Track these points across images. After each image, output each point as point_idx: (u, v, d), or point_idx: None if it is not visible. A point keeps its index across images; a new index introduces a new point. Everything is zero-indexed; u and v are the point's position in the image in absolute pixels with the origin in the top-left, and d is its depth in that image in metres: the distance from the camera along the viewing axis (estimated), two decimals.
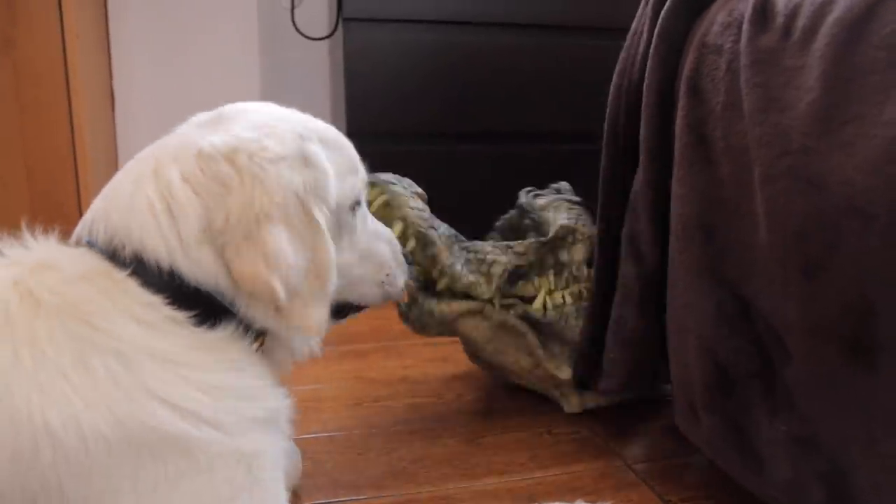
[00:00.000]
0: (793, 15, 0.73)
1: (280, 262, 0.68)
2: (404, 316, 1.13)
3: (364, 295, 0.89)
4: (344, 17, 1.93)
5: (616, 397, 1.15)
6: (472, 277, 1.09)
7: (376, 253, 0.89)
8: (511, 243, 1.15)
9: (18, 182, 1.81)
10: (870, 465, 0.68)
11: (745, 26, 0.78)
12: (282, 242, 0.69)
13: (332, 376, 1.31)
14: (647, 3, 1.05)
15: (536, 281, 1.14)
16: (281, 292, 0.69)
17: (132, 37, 2.05)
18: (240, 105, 0.79)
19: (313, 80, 2.22)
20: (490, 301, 1.11)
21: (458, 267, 1.09)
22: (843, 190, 0.65)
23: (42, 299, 0.63)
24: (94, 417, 0.59)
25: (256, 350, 0.74)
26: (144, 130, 2.05)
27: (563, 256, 1.15)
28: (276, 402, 0.73)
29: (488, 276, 1.10)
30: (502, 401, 1.24)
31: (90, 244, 0.70)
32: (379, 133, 1.93)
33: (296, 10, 2.11)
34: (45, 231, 0.70)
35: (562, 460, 1.03)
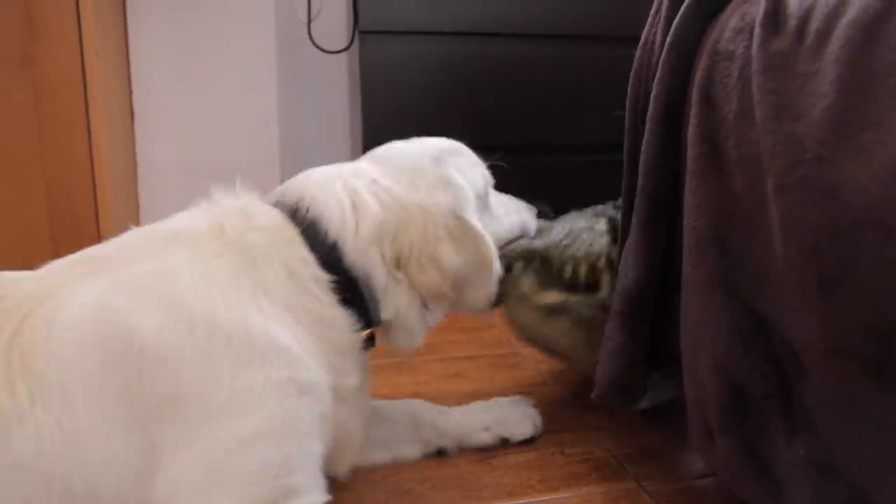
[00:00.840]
0: (806, 17, 0.70)
1: (450, 271, 0.90)
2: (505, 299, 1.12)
3: (502, 236, 1.09)
4: (360, 29, 1.92)
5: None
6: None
7: (507, 205, 1.13)
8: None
9: (37, 196, 1.81)
10: (893, 492, 0.64)
11: (757, 30, 0.75)
12: (451, 255, 0.91)
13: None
14: (657, 12, 1.02)
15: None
16: (450, 292, 0.92)
17: (151, 52, 2.06)
18: (384, 148, 1.01)
19: (331, 92, 2.22)
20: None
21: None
22: (859, 200, 0.61)
23: (227, 232, 0.81)
24: (228, 319, 0.73)
25: (364, 336, 0.87)
26: (164, 145, 2.07)
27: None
28: (353, 379, 0.86)
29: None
30: None
31: (280, 203, 0.87)
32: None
33: (312, 24, 2.11)
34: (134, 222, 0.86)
35: (574, 482, 0.99)
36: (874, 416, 0.65)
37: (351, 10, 2.07)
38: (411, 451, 1.06)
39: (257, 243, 0.81)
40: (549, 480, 1.00)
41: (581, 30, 2.00)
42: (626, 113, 1.06)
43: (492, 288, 0.98)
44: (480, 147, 1.99)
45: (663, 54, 0.93)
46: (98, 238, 0.85)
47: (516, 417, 1.12)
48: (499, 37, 1.97)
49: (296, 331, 0.78)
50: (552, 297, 1.11)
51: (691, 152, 0.85)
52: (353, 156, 2.13)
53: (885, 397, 0.63)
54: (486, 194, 1.06)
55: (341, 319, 0.84)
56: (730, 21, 0.83)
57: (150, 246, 0.80)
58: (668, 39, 0.92)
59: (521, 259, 1.11)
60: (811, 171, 0.66)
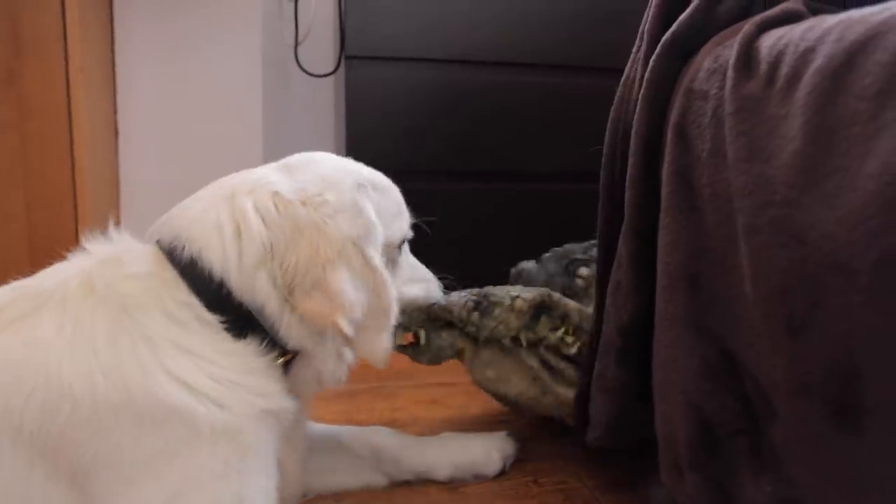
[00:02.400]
0: (776, 62, 0.71)
1: (343, 301, 0.79)
2: (414, 354, 1.14)
3: (412, 299, 1.04)
4: (346, 54, 1.93)
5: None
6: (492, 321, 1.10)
7: (417, 271, 1.06)
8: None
9: (17, 214, 1.80)
10: None
11: (730, 73, 0.76)
12: (344, 284, 0.80)
13: (321, 417, 1.28)
14: (638, 50, 1.03)
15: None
16: (346, 327, 0.80)
17: (137, 71, 2.06)
18: (306, 155, 0.92)
19: (317, 116, 2.23)
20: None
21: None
22: (825, 244, 0.62)
23: (96, 288, 0.75)
24: (108, 388, 0.69)
25: (280, 363, 0.82)
26: (148, 165, 2.07)
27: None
28: (286, 402, 0.81)
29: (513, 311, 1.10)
30: None
31: (159, 243, 0.81)
32: (380, 170, 1.92)
33: (299, 47, 2.12)
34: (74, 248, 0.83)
35: None
36: (837, 457, 0.65)
37: (338, 34, 2.09)
38: (376, 479, 1.06)
39: (130, 293, 0.76)
40: None
41: (565, 59, 2.02)
42: (605, 147, 1.07)
43: (385, 341, 0.88)
44: (464, 173, 2.01)
45: (641, 91, 0.94)
46: None
47: (483, 456, 1.09)
48: (484, 65, 1.99)
49: (196, 370, 0.74)
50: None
51: (665, 189, 0.86)
52: None
53: (848, 438, 0.64)
54: (399, 251, 0.99)
55: (241, 356, 0.78)
56: (704, 62, 0.85)
57: (18, 309, 0.75)
58: (645, 76, 0.94)
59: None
60: (780, 213, 0.67)
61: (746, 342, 0.75)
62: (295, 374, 0.85)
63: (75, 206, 1.84)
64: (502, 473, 1.09)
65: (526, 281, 1.24)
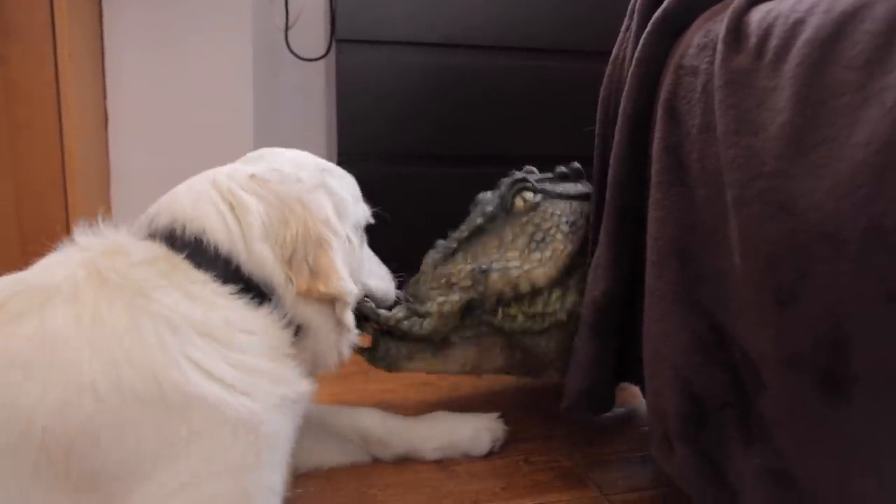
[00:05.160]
0: (765, 35, 0.71)
1: (341, 272, 0.84)
2: (371, 359, 1.14)
3: (373, 290, 1.06)
4: (337, 38, 1.92)
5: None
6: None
7: (375, 268, 1.07)
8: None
9: (6, 201, 1.79)
10: (843, 501, 0.65)
11: (720, 47, 0.76)
12: (337, 256, 0.85)
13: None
14: (628, 29, 1.04)
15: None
16: (348, 297, 0.85)
17: (127, 56, 2.05)
18: (263, 150, 0.96)
19: (308, 100, 2.22)
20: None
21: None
22: (813, 215, 0.63)
23: (108, 278, 0.73)
24: (136, 379, 0.67)
25: (291, 339, 0.83)
26: (138, 150, 2.06)
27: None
28: (304, 386, 0.82)
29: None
30: None
31: (152, 235, 0.81)
32: (370, 154, 1.93)
33: (290, 31, 2.11)
34: (38, 248, 0.81)
35: (536, 490, 1.00)
36: (826, 427, 0.66)
37: (329, 18, 2.08)
38: (364, 459, 1.06)
39: (144, 278, 0.74)
40: (513, 488, 1.00)
41: (558, 44, 2.02)
42: (597, 127, 1.08)
43: (352, 318, 0.90)
44: (455, 157, 2.01)
45: (631, 69, 0.94)
46: None
47: (471, 436, 1.09)
48: (475, 48, 1.98)
49: (218, 358, 0.73)
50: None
51: (656, 165, 0.86)
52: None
53: (836, 408, 0.64)
54: (362, 236, 1.00)
55: (261, 320, 0.79)
56: (694, 38, 0.85)
57: (22, 305, 0.70)
58: (636, 55, 0.94)
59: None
60: (769, 185, 0.67)
61: (735, 315, 0.75)
62: (299, 353, 0.85)
63: (65, 194, 1.83)
64: (490, 454, 1.10)
65: (480, 205, 1.22)
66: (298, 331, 0.85)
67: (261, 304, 0.80)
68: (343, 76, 1.91)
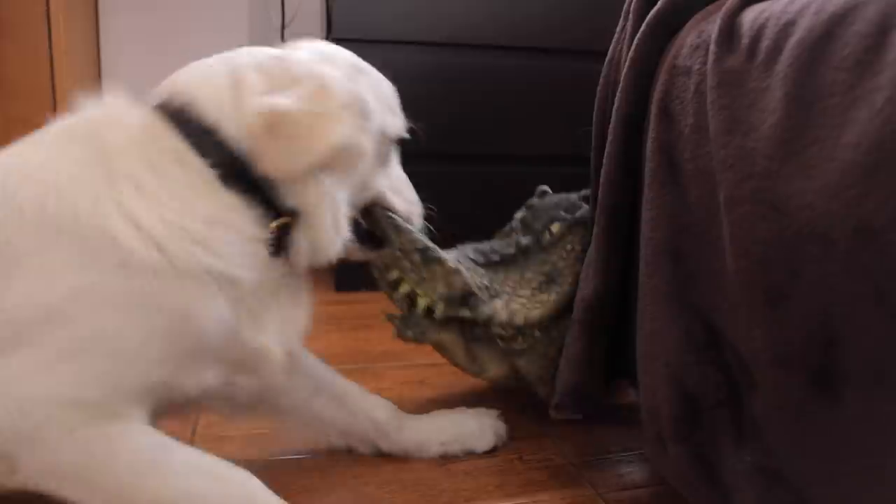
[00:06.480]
0: (757, 36, 0.72)
1: (346, 142, 0.80)
2: (402, 327, 1.12)
3: (393, 207, 1.01)
4: (333, 37, 1.92)
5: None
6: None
7: (404, 189, 1.05)
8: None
9: None
10: (832, 501, 0.65)
11: (712, 47, 0.77)
12: (344, 130, 0.79)
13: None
14: (623, 29, 1.04)
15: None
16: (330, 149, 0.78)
17: (123, 57, 2.05)
18: (309, 41, 0.93)
19: None
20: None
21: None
22: (804, 215, 0.63)
23: (77, 133, 0.75)
24: (59, 209, 0.68)
25: (274, 226, 0.78)
26: None
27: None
28: (242, 271, 0.75)
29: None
30: None
31: (148, 106, 0.79)
32: None
33: (286, 30, 2.11)
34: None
35: (530, 488, 1.00)
36: (817, 425, 0.66)
37: (324, 17, 2.08)
38: (361, 448, 1.07)
39: (113, 140, 0.74)
40: (507, 486, 1.01)
41: (555, 43, 2.02)
42: (593, 127, 1.08)
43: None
44: (452, 156, 2.01)
45: (626, 68, 0.95)
46: None
47: (476, 431, 1.10)
48: (471, 47, 1.99)
49: (154, 214, 0.70)
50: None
51: (649, 165, 0.87)
52: None
53: (826, 407, 0.65)
54: (390, 151, 0.99)
55: (229, 198, 0.75)
56: (688, 38, 0.85)
57: None
58: (630, 55, 0.94)
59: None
60: (760, 185, 0.68)
61: (727, 314, 0.76)
62: (291, 241, 0.81)
63: None
64: (492, 451, 1.10)
65: (518, 233, 1.21)
66: (288, 222, 0.80)
67: (237, 183, 0.76)
68: None
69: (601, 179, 0.97)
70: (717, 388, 0.79)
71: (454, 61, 1.98)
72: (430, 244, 1.08)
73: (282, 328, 0.83)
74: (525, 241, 1.16)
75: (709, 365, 0.80)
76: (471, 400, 1.29)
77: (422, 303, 1.09)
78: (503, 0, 1.97)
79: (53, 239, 0.68)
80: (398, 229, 1.03)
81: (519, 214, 1.23)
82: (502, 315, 1.09)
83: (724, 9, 0.80)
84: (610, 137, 0.95)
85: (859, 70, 0.59)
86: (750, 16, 0.75)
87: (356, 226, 0.94)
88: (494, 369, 1.16)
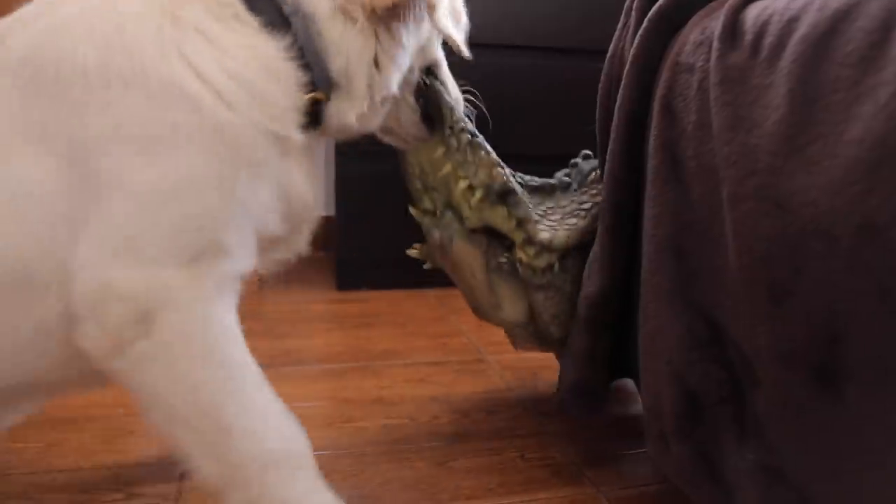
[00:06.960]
0: (761, 32, 0.71)
1: None
2: (430, 227, 1.10)
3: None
4: None
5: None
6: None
7: (448, 80, 1.05)
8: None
9: None
10: (834, 499, 0.65)
11: (715, 44, 0.77)
12: None
13: (307, 395, 1.29)
14: (625, 26, 1.04)
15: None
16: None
17: None
18: None
19: None
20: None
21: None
22: (807, 211, 0.63)
23: None
24: (124, 63, 0.68)
25: (308, 98, 0.78)
26: None
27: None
28: (294, 135, 0.77)
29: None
30: (477, 424, 1.21)
31: None
32: (368, 152, 1.92)
33: None
34: None
35: (531, 487, 1.00)
36: (820, 423, 0.66)
37: None
38: None
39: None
40: (509, 485, 1.00)
41: (569, 42, 2.02)
42: (596, 123, 1.08)
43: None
44: None
45: (628, 65, 0.95)
46: None
47: None
48: (486, 47, 1.98)
49: (215, 64, 0.72)
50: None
51: (652, 162, 0.86)
52: (327, 166, 2.13)
53: (829, 404, 0.64)
54: (439, 37, 0.99)
55: (269, 56, 0.75)
56: (691, 35, 0.85)
57: None
58: (632, 52, 0.94)
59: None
60: (763, 182, 0.67)
61: (730, 311, 0.76)
62: (326, 114, 0.82)
63: None
64: (486, 450, 1.10)
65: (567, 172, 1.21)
66: (324, 98, 0.81)
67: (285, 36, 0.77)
68: None
69: (605, 177, 0.97)
70: (720, 386, 0.79)
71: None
72: (479, 134, 1.07)
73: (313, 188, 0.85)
74: (566, 178, 1.16)
75: (711, 362, 0.79)
76: (472, 398, 1.29)
77: (462, 184, 1.06)
78: (519, 0, 1.97)
79: (122, 95, 0.68)
80: (452, 108, 1.03)
81: (561, 173, 1.22)
82: (532, 228, 1.06)
83: (727, 5, 0.80)
84: (613, 135, 0.95)
85: (863, 66, 0.59)
86: (753, 12, 0.75)
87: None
88: (509, 307, 1.10)
